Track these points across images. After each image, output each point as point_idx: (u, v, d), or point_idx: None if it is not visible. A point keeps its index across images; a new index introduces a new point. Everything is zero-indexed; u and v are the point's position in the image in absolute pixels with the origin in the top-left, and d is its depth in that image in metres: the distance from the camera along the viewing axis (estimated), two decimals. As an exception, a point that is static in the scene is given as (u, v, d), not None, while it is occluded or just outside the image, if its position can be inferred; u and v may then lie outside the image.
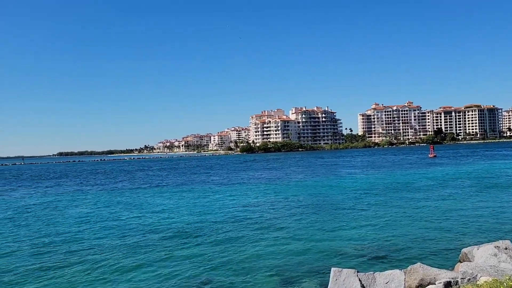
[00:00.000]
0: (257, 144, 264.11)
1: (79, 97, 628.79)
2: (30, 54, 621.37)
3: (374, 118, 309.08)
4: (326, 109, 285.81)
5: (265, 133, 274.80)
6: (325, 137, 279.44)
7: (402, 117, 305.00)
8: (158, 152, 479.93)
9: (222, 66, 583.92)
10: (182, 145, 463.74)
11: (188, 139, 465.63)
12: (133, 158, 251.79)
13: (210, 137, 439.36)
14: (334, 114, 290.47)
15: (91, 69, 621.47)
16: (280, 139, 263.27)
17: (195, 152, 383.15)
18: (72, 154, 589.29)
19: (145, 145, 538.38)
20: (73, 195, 44.43)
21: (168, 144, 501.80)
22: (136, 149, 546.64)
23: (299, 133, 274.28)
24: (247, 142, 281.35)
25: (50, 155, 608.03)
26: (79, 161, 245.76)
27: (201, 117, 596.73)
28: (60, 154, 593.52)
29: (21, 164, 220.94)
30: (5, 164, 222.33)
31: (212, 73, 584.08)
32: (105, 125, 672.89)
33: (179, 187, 48.93)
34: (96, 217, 28.38)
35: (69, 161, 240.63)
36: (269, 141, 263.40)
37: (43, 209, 33.86)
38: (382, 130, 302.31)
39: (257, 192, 40.84)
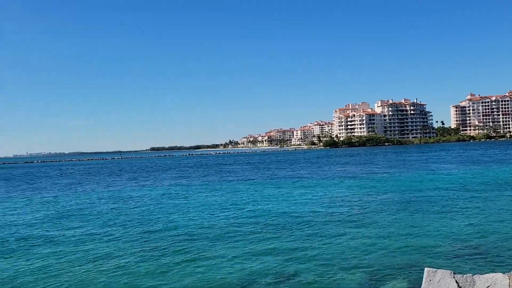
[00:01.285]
0: (341, 139, 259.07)
1: (169, 95, 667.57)
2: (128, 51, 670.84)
3: (469, 110, 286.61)
4: (415, 101, 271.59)
5: (349, 127, 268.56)
6: (414, 131, 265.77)
7: (502, 108, 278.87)
8: (242, 147, 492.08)
9: (305, 59, 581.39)
10: (265, 140, 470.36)
11: (271, 134, 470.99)
12: (219, 153, 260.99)
13: (293, 131, 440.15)
14: (424, 106, 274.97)
15: (176, 67, 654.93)
16: (365, 133, 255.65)
17: (278, 146, 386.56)
18: (163, 149, 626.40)
19: (230, 140, 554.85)
20: (167, 188, 47.32)
21: (251, 139, 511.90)
22: (221, 144, 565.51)
23: (385, 127, 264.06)
24: (330, 136, 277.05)
25: (144, 150, 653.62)
26: (169, 155, 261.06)
27: (284, 112, 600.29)
28: (152, 149, 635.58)
29: (119, 158, 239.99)
30: (105, 159, 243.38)
31: (295, 66, 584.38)
32: (192, 121, 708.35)
33: (265, 181, 49.77)
34: (187, 209, 29.93)
35: (160, 156, 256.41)
36: (353, 136, 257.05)
37: (142, 200, 36.52)
38: (479, 122, 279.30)
39: (343, 187, 40.14)
